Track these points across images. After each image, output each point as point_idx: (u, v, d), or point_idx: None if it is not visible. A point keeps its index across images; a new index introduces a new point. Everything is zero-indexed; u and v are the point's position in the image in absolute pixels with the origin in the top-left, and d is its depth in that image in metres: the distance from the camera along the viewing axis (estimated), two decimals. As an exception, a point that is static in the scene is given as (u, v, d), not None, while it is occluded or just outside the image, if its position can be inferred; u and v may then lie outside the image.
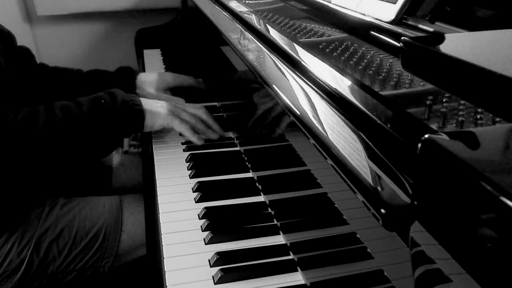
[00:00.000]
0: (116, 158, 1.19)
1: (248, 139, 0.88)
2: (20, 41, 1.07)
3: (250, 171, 0.83)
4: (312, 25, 0.74)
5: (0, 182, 0.81)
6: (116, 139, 0.84)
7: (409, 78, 0.46)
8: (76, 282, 0.89)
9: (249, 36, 0.77)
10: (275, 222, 0.69)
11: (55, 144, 0.77)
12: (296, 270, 0.61)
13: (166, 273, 0.60)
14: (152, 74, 1.12)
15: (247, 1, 1.04)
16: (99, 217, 0.91)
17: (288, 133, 0.67)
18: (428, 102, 0.38)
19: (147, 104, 0.85)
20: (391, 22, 0.58)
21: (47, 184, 0.97)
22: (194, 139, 0.88)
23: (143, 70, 1.38)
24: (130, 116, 0.82)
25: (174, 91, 1.13)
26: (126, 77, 1.09)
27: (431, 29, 0.53)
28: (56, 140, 0.76)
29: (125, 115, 0.82)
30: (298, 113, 0.49)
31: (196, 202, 0.75)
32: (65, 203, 0.92)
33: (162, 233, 0.68)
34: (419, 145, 0.29)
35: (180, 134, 0.92)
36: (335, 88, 0.48)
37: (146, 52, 1.53)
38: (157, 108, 0.86)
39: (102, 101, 0.81)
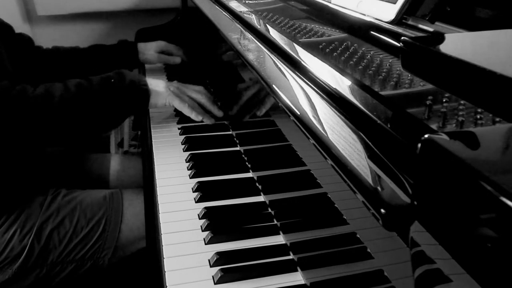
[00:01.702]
0: (116, 158, 1.19)
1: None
2: (20, 41, 1.08)
3: (250, 171, 0.83)
4: (312, 25, 0.74)
5: (4, 166, 0.84)
6: (123, 114, 0.92)
7: (409, 78, 0.46)
8: (75, 275, 0.89)
9: (249, 36, 0.77)
10: (275, 222, 0.69)
11: (69, 116, 0.84)
12: (296, 270, 0.61)
13: (166, 273, 0.60)
14: (145, 43, 1.31)
15: (247, 1, 1.04)
16: (100, 208, 0.92)
17: (288, 132, 0.67)
18: (428, 102, 0.38)
19: (152, 84, 0.93)
20: (391, 22, 0.58)
21: (49, 174, 1.00)
22: (193, 115, 0.94)
23: (143, 70, 1.38)
24: (137, 94, 0.90)
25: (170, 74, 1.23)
26: (128, 47, 1.27)
27: (431, 29, 0.53)
28: (70, 112, 0.83)
29: (132, 93, 0.89)
30: (298, 113, 0.49)
31: (196, 202, 0.75)
32: (67, 193, 0.94)
33: (162, 233, 0.68)
34: (419, 145, 0.29)
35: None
36: (335, 88, 0.48)
37: (146, 52, 1.52)
38: (160, 88, 0.93)
39: (112, 80, 0.88)
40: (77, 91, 0.84)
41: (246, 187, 0.78)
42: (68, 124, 0.84)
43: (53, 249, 0.87)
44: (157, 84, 0.94)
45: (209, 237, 0.66)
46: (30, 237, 0.86)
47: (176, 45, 1.38)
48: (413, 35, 0.50)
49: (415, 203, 0.30)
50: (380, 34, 0.58)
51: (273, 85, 0.57)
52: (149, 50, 1.28)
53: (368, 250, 0.46)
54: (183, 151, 0.90)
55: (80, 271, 0.90)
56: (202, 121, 0.96)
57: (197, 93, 0.97)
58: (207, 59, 1.33)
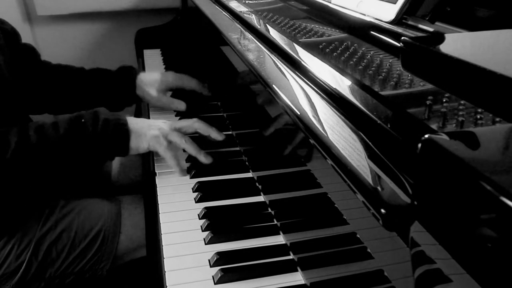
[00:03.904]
0: (116, 158, 1.19)
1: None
2: (20, 41, 1.07)
3: (250, 171, 0.83)
4: (312, 25, 0.74)
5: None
6: (98, 161, 0.79)
7: (409, 78, 0.46)
8: (74, 285, 0.88)
9: (249, 36, 0.77)
10: (275, 222, 0.70)
11: (29, 167, 0.72)
12: (296, 270, 0.61)
13: (166, 273, 0.60)
14: (154, 74, 1.08)
15: (247, 1, 1.04)
16: (98, 220, 0.90)
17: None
18: (428, 102, 0.38)
19: (132, 123, 0.79)
20: (391, 22, 0.58)
21: (46, 188, 0.95)
22: (178, 169, 0.81)
23: (143, 70, 1.38)
24: (113, 137, 0.76)
25: (176, 93, 1.14)
26: (127, 77, 1.05)
27: (431, 29, 0.53)
28: (30, 163, 0.72)
29: (107, 136, 0.75)
30: (298, 113, 0.49)
31: (196, 202, 0.75)
32: (65, 205, 0.91)
33: (162, 233, 0.68)
34: (419, 145, 0.29)
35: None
36: (335, 88, 0.48)
37: (146, 52, 1.53)
38: (143, 129, 0.79)
39: (82, 120, 0.75)
40: (36, 137, 0.72)
41: (246, 187, 0.78)
42: (28, 175, 0.73)
43: (51, 264, 0.85)
44: (138, 123, 0.79)
45: (209, 237, 0.66)
46: (27, 253, 0.83)
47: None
48: (413, 35, 0.50)
49: (415, 203, 0.30)
50: (380, 34, 0.58)
51: (273, 85, 0.57)
52: (151, 86, 1.04)
53: (368, 250, 0.46)
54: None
55: (78, 283, 0.88)
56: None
57: (188, 121, 0.84)
58: (205, 59, 1.33)
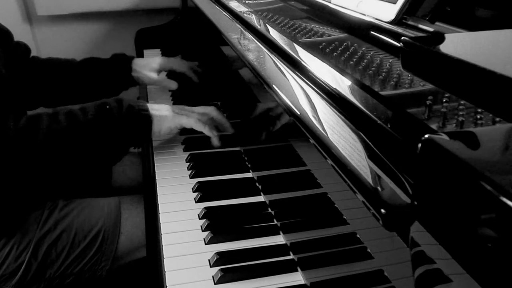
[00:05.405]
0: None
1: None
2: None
3: (250, 171, 0.83)
4: (312, 25, 0.74)
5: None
6: (123, 146, 0.82)
7: (409, 78, 0.46)
8: (73, 286, 0.88)
9: (249, 36, 0.77)
10: (275, 222, 0.70)
11: (59, 151, 0.74)
12: (296, 270, 0.61)
13: (166, 273, 0.60)
14: (147, 58, 1.16)
15: (247, 1, 1.04)
16: (97, 220, 0.90)
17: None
18: (428, 102, 0.38)
19: (154, 109, 0.84)
20: (391, 22, 0.58)
21: (47, 187, 0.94)
22: (207, 131, 0.85)
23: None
24: (137, 121, 0.81)
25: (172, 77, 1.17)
26: (122, 61, 1.11)
27: (431, 29, 0.53)
28: (60, 147, 0.74)
29: (132, 121, 0.80)
30: (298, 113, 0.49)
31: (196, 202, 0.75)
32: (64, 205, 0.91)
33: (162, 233, 0.68)
34: (419, 145, 0.29)
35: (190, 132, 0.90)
36: (335, 88, 0.48)
37: (146, 52, 1.53)
38: (163, 112, 0.84)
39: (108, 106, 0.79)
40: (67, 121, 0.75)
41: (246, 187, 0.78)
42: (58, 159, 0.75)
43: (50, 265, 0.85)
44: (159, 108, 0.85)
45: (209, 237, 0.66)
46: (27, 254, 0.83)
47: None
48: (413, 35, 0.50)
49: (415, 203, 0.30)
50: (380, 34, 0.58)
51: (273, 85, 0.57)
52: (145, 68, 1.11)
53: (368, 250, 0.46)
54: (183, 151, 0.90)
55: (78, 283, 0.88)
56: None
57: (206, 108, 0.89)
58: (205, 59, 1.33)
